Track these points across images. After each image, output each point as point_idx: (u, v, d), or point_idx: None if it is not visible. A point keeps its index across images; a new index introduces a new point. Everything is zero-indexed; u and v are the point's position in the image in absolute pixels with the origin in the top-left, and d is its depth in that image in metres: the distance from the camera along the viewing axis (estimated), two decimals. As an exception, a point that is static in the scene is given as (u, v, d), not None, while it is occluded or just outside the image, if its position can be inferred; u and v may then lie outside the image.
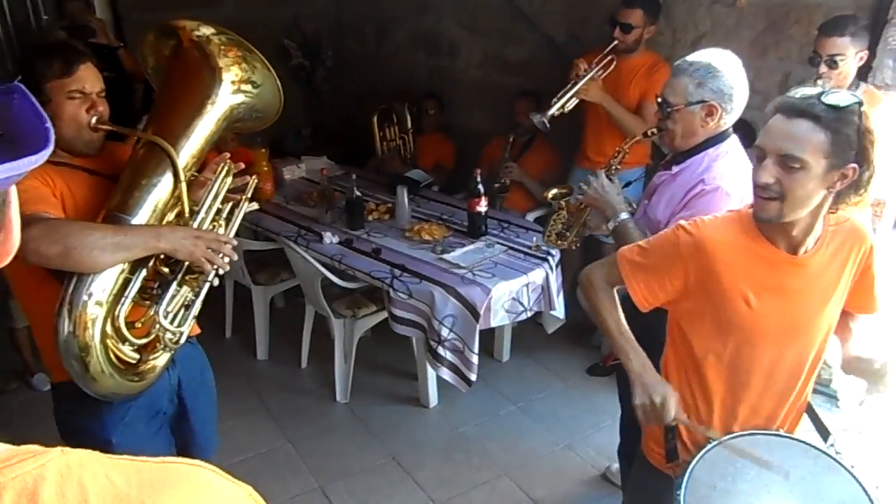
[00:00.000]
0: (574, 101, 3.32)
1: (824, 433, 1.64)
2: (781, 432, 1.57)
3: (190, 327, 1.78)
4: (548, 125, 3.31)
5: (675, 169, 2.15)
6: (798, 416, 1.70)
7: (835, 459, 1.47)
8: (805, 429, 1.71)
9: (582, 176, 3.76)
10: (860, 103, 1.37)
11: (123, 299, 1.64)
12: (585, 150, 3.77)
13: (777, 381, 1.61)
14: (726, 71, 2.01)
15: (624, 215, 2.19)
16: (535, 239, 3.38)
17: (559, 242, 2.53)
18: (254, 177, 1.96)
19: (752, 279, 1.53)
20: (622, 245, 2.13)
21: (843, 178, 1.40)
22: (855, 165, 1.38)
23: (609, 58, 3.37)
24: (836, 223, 1.54)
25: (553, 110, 3.26)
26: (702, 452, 1.50)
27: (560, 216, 2.52)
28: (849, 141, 1.36)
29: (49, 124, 0.64)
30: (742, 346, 1.57)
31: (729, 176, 2.02)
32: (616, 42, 3.38)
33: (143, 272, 1.67)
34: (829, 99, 1.36)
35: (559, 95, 3.28)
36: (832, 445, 1.57)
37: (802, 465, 1.46)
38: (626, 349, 1.64)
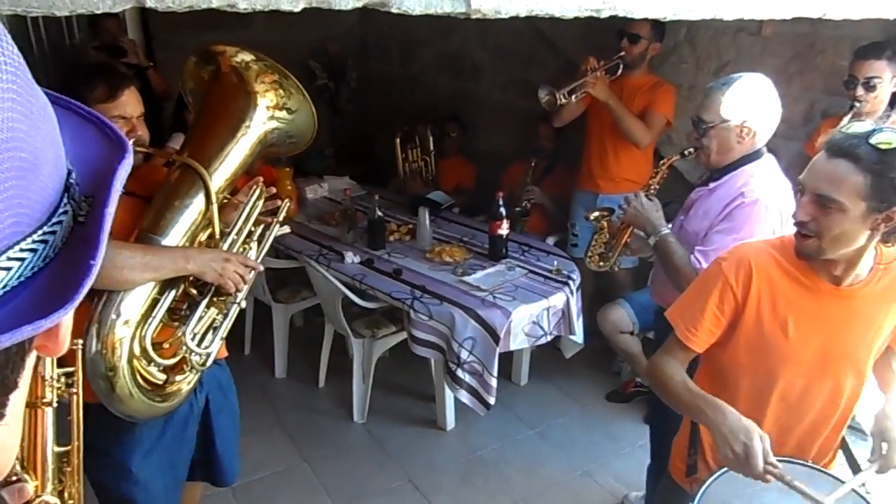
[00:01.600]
0: (581, 94, 3.42)
1: (856, 470, 1.60)
2: (811, 463, 1.54)
3: (217, 349, 1.79)
4: (556, 103, 3.39)
5: (711, 185, 2.22)
6: (833, 453, 1.66)
7: (862, 497, 1.44)
8: (840, 462, 1.68)
9: (584, 199, 3.80)
10: None
11: (151, 320, 1.66)
12: (590, 172, 3.79)
13: (808, 411, 1.58)
14: (758, 90, 2.12)
15: (664, 230, 2.23)
16: (555, 262, 3.38)
17: (602, 264, 2.57)
18: (286, 200, 1.97)
19: (793, 306, 1.51)
20: (665, 261, 2.20)
21: (888, 220, 1.36)
22: None
23: (616, 62, 3.46)
24: (888, 262, 1.50)
25: (562, 91, 3.37)
26: (722, 470, 1.48)
27: (601, 237, 2.55)
28: (893, 184, 1.32)
29: (97, 260, 0.49)
30: (774, 372, 1.55)
31: (768, 190, 2.09)
32: (623, 53, 3.44)
33: (172, 293, 1.69)
34: (875, 139, 1.32)
35: (568, 82, 3.40)
36: (863, 485, 1.53)
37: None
38: (698, 406, 1.49)
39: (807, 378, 1.54)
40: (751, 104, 2.12)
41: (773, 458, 1.36)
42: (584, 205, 3.83)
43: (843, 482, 1.47)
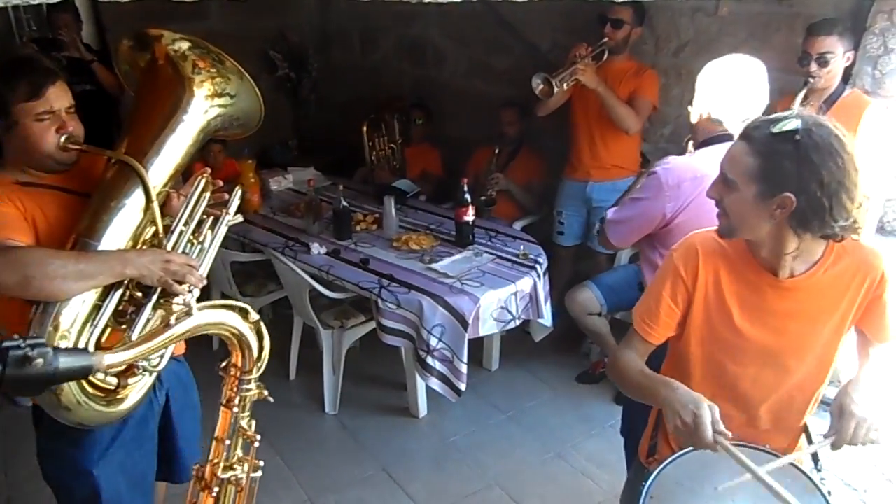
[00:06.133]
0: (571, 82, 3.37)
1: (814, 457, 1.61)
2: (767, 447, 1.53)
3: (171, 350, 1.71)
4: (552, 91, 3.33)
5: None
6: (793, 440, 1.65)
7: (813, 482, 1.45)
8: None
9: (574, 188, 3.82)
10: (800, 131, 1.30)
11: (92, 328, 1.58)
12: (580, 161, 3.76)
13: (763, 401, 1.58)
14: (712, 74, 2.12)
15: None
16: (522, 247, 3.39)
17: None
18: (237, 189, 1.90)
19: (736, 297, 1.51)
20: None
21: (781, 206, 1.34)
22: (790, 195, 1.32)
23: (601, 48, 3.44)
24: (839, 255, 1.47)
25: (556, 79, 3.32)
26: (680, 452, 1.50)
27: None
28: (782, 170, 1.32)
29: None
30: (726, 363, 1.56)
31: (676, 168, 2.13)
32: (606, 39, 3.43)
33: (115, 298, 1.61)
34: (775, 126, 1.33)
35: (560, 71, 3.35)
36: (819, 471, 1.54)
37: (778, 483, 1.45)
38: (653, 388, 1.49)
39: (759, 369, 1.54)
40: (700, 86, 2.13)
41: (722, 428, 1.36)
42: (572, 194, 3.84)
43: (795, 466, 1.48)
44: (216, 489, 1.33)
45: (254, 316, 1.29)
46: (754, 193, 1.36)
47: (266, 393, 1.43)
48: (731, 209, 1.42)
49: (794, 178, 1.31)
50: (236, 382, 1.33)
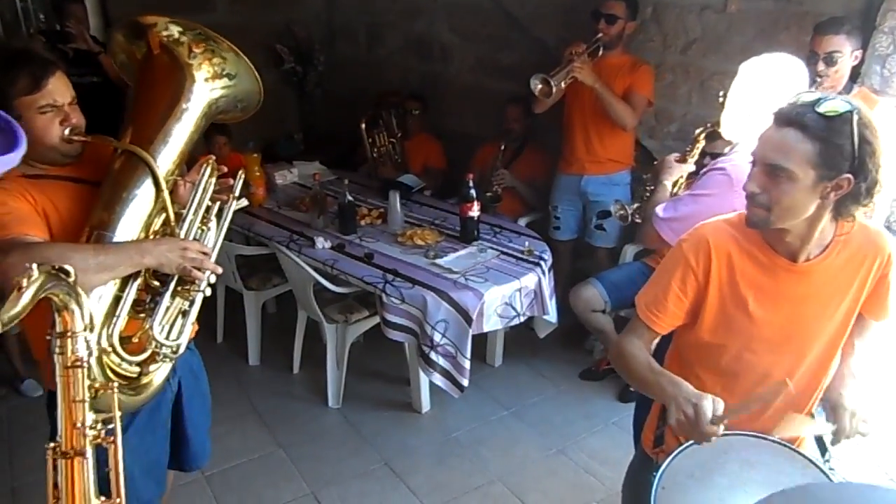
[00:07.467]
0: (569, 80, 3.37)
1: (822, 448, 1.60)
2: (777, 438, 1.53)
3: (189, 336, 1.74)
4: (551, 91, 3.33)
5: (718, 159, 2.29)
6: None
7: (824, 473, 1.45)
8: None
9: (568, 183, 3.83)
10: (854, 111, 1.32)
11: (115, 318, 1.60)
12: (574, 156, 3.77)
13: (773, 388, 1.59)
14: (745, 72, 2.13)
15: (664, 182, 2.45)
16: (527, 243, 3.39)
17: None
18: (241, 172, 1.91)
19: (751, 284, 1.51)
20: (647, 206, 2.31)
21: (838, 188, 1.35)
22: (849, 176, 1.34)
23: (596, 44, 3.44)
24: (846, 234, 1.49)
25: (554, 79, 3.32)
26: (688, 443, 1.50)
27: (647, 192, 2.72)
28: (841, 151, 1.32)
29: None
30: (740, 351, 1.55)
31: (740, 165, 2.10)
32: (601, 34, 3.43)
33: (134, 287, 1.63)
34: (821, 107, 1.33)
35: (557, 70, 3.34)
36: (828, 461, 1.54)
37: (788, 474, 1.44)
38: (659, 384, 1.49)
39: (773, 357, 1.55)
40: (736, 82, 2.13)
41: (721, 413, 1.35)
42: (567, 189, 3.85)
43: (804, 456, 1.48)
44: (89, 451, 1.18)
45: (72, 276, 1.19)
46: (812, 179, 1.35)
47: None
48: (779, 199, 1.39)
49: (851, 159, 1.33)
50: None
